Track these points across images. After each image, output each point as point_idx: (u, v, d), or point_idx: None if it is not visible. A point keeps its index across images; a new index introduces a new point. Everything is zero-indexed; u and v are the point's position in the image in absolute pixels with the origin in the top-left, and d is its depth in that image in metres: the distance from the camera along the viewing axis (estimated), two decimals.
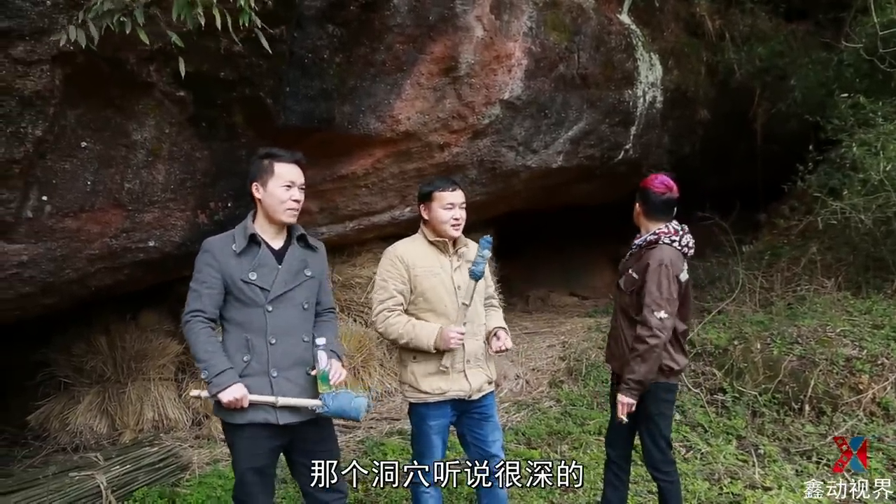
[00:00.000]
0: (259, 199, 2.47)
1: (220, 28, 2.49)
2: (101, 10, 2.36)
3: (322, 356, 2.42)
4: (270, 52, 2.91)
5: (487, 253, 2.78)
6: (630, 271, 2.96)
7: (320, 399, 2.41)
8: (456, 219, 2.81)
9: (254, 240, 2.44)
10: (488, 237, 2.81)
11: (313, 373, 2.44)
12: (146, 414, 4.81)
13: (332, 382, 2.42)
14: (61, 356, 4.90)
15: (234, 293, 2.40)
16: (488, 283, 3.07)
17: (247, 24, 2.61)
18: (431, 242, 2.86)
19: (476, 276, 2.76)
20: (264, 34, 2.69)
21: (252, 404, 2.35)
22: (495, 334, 2.91)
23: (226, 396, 2.30)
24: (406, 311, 2.83)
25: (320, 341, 2.45)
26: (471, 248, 2.96)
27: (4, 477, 3.88)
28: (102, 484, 3.52)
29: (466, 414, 2.89)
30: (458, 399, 2.82)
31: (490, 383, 2.93)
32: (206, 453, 4.47)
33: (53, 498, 3.37)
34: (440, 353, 2.74)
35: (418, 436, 2.86)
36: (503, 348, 2.86)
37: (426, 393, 2.78)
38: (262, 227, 2.48)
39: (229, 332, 2.43)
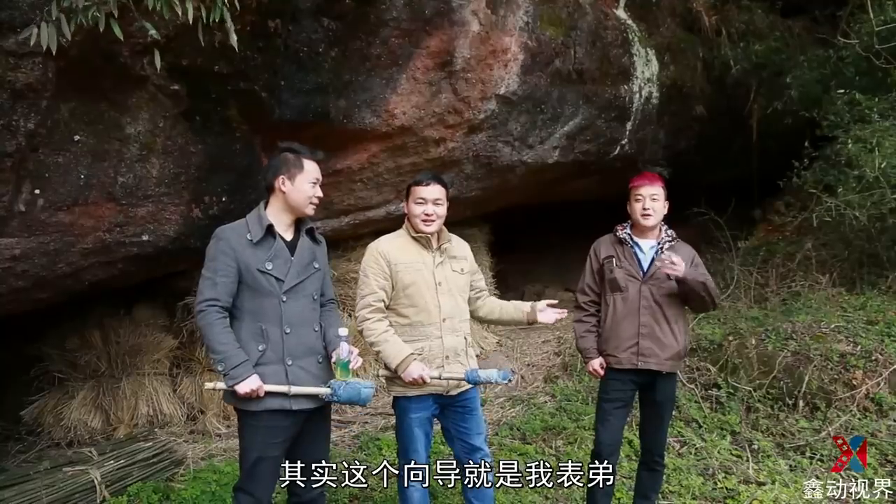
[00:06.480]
0: (284, 193, 2.51)
1: (191, 22, 2.44)
2: (78, 6, 2.32)
3: (344, 346, 2.48)
4: (237, 48, 2.83)
5: (496, 380, 2.75)
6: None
7: (329, 387, 2.46)
8: (427, 214, 2.78)
9: (270, 231, 2.49)
10: (508, 373, 2.80)
11: (332, 360, 2.49)
12: (140, 409, 4.80)
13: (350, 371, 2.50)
14: (55, 351, 4.88)
15: (247, 282, 2.44)
16: (476, 277, 3.06)
17: (216, 21, 2.55)
18: (414, 238, 2.85)
19: (469, 379, 2.77)
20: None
21: (267, 392, 2.40)
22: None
23: (243, 388, 2.35)
24: (388, 307, 2.83)
25: (342, 332, 2.50)
26: (455, 245, 2.94)
27: None
28: (96, 479, 3.52)
29: (449, 408, 2.90)
30: (438, 393, 2.82)
31: None
32: (201, 448, 4.47)
33: (47, 493, 3.36)
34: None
35: (401, 428, 2.89)
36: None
37: (405, 387, 2.79)
38: (275, 219, 2.53)
39: (241, 321, 2.47)
